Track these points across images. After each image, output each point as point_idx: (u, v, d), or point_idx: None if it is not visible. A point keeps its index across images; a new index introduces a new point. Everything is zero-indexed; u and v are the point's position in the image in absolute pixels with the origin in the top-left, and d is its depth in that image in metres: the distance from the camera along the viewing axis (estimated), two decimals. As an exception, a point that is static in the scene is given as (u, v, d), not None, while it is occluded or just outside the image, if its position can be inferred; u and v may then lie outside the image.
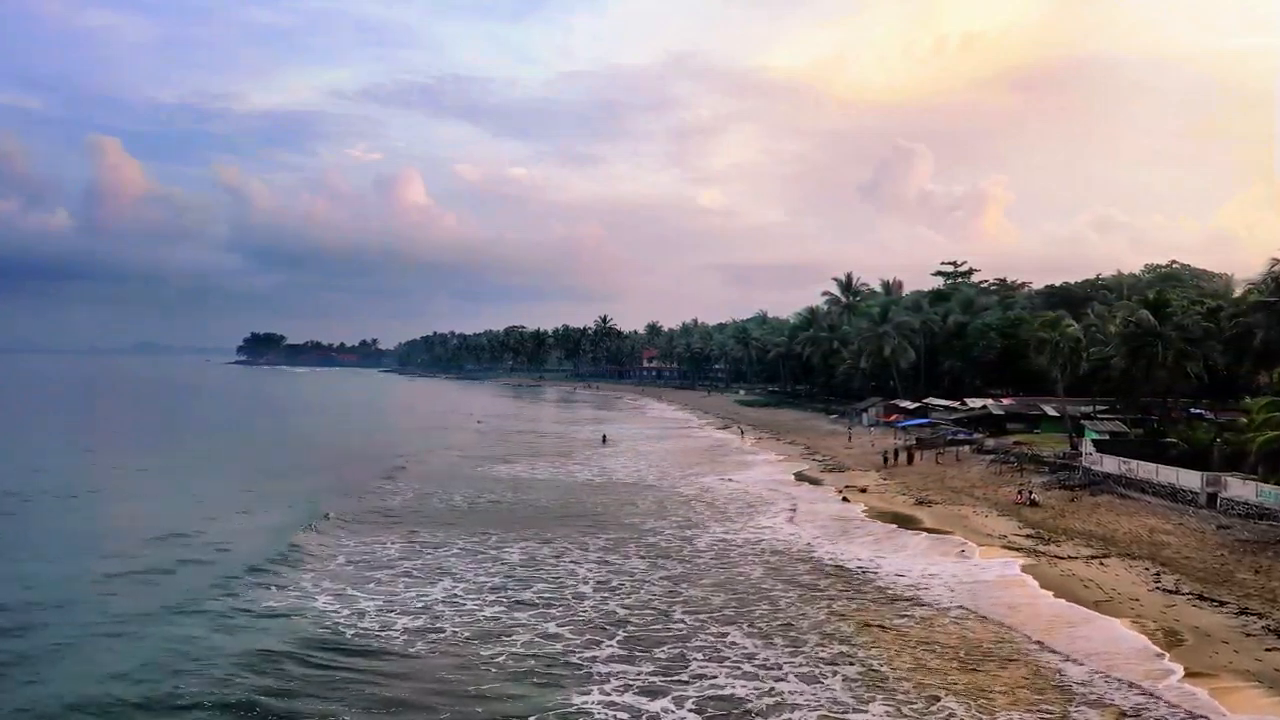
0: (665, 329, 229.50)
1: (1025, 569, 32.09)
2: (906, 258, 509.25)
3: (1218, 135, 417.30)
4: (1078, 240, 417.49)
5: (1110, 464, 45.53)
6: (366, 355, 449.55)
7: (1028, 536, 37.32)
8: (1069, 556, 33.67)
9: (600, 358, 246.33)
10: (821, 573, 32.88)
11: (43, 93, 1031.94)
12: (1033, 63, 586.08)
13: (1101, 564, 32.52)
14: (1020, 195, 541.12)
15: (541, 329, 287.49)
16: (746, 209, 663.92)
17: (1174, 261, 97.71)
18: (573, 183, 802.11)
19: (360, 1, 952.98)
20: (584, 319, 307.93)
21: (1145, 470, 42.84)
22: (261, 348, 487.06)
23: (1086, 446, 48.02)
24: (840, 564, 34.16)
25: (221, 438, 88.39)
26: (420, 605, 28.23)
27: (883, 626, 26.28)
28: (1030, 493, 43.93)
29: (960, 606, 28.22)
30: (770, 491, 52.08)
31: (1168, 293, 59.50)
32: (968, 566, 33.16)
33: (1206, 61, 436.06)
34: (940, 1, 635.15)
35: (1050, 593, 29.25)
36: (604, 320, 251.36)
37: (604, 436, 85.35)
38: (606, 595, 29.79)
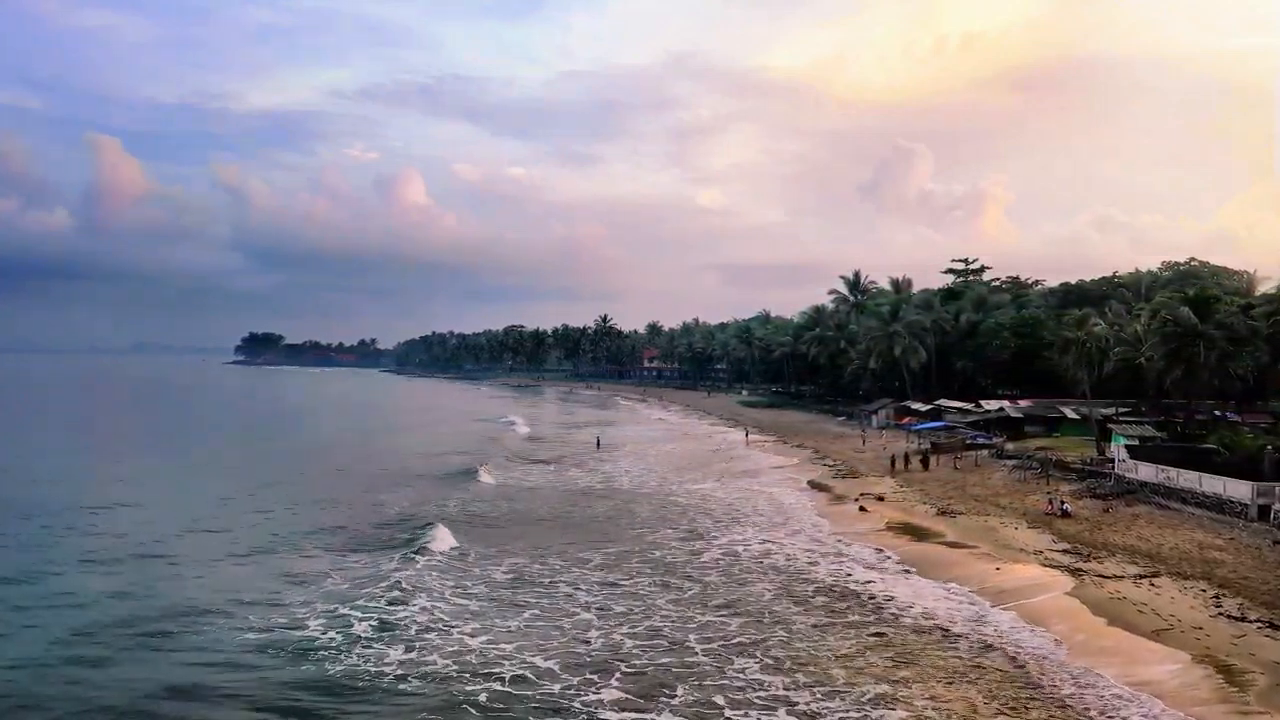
0: (666, 329, 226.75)
1: (1069, 591, 29.18)
2: (906, 258, 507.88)
3: (1218, 135, 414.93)
4: (1078, 240, 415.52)
5: (1146, 472, 42.63)
6: (365, 355, 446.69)
7: (1064, 552, 34.39)
8: (1115, 575, 30.72)
9: (600, 358, 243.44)
10: (843, 595, 29.97)
11: (42, 92, 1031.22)
12: (1033, 63, 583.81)
13: (1152, 584, 29.58)
14: (1020, 195, 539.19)
15: (541, 329, 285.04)
16: (746, 209, 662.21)
17: (1192, 259, 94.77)
18: (572, 183, 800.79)
19: (358, 1, 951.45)
20: (583, 319, 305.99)
21: (1186, 479, 39.89)
22: (260, 347, 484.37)
23: (1120, 453, 45.07)
24: (862, 584, 31.28)
25: (263, 443, 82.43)
26: (413, 634, 25.42)
27: (921, 661, 23.40)
28: (1062, 502, 41.04)
29: (1002, 634, 25.36)
30: (780, 500, 49.21)
31: (1209, 289, 56.35)
32: (1003, 587, 30.22)
33: (1206, 61, 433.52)
34: (940, 1, 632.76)
35: (1102, 619, 26.27)
36: (604, 320, 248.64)
37: (598, 440, 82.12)
38: (612, 626, 26.90)
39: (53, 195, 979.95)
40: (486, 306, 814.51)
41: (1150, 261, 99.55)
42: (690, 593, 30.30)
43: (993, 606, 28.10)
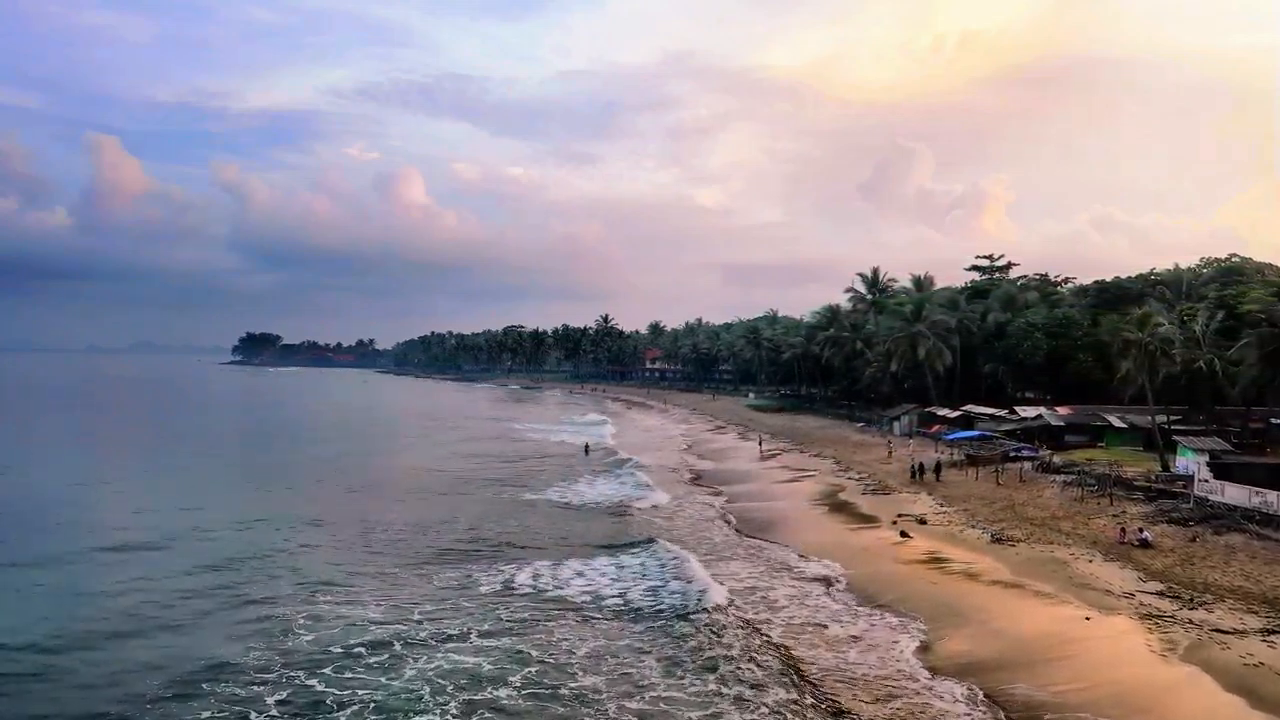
0: (668, 329, 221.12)
1: (1183, 654, 23.07)
2: (907, 257, 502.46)
3: (1218, 135, 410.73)
4: (1078, 239, 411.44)
5: (1234, 493, 36.61)
6: (363, 355, 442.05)
7: (1159, 594, 28.35)
8: (1235, 630, 24.68)
9: (601, 358, 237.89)
10: (914, 673, 24.06)
11: (40, 91, 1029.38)
12: (1031, 61, 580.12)
13: (1286, 643, 23.58)
14: (1020, 194, 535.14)
15: (540, 329, 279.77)
16: (745, 208, 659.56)
17: (1233, 254, 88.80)
18: (571, 182, 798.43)
19: (358, 1, 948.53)
20: (583, 318, 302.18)
21: (1290, 503, 33.90)
22: (257, 347, 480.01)
23: (1201, 471, 39.02)
24: (934, 653, 25.36)
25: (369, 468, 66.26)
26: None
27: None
28: (1140, 529, 35.03)
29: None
30: (805, 522, 43.26)
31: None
32: (1103, 648, 24.09)
33: (1206, 61, 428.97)
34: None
35: (1240, 698, 20.24)
36: (605, 320, 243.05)
37: (586, 446, 76.11)
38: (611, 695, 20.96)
39: (52, 195, 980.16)
40: (486, 306, 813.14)
41: (1151, 261, 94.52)
42: (699, 657, 24.39)
43: (1102, 676, 22.05)
